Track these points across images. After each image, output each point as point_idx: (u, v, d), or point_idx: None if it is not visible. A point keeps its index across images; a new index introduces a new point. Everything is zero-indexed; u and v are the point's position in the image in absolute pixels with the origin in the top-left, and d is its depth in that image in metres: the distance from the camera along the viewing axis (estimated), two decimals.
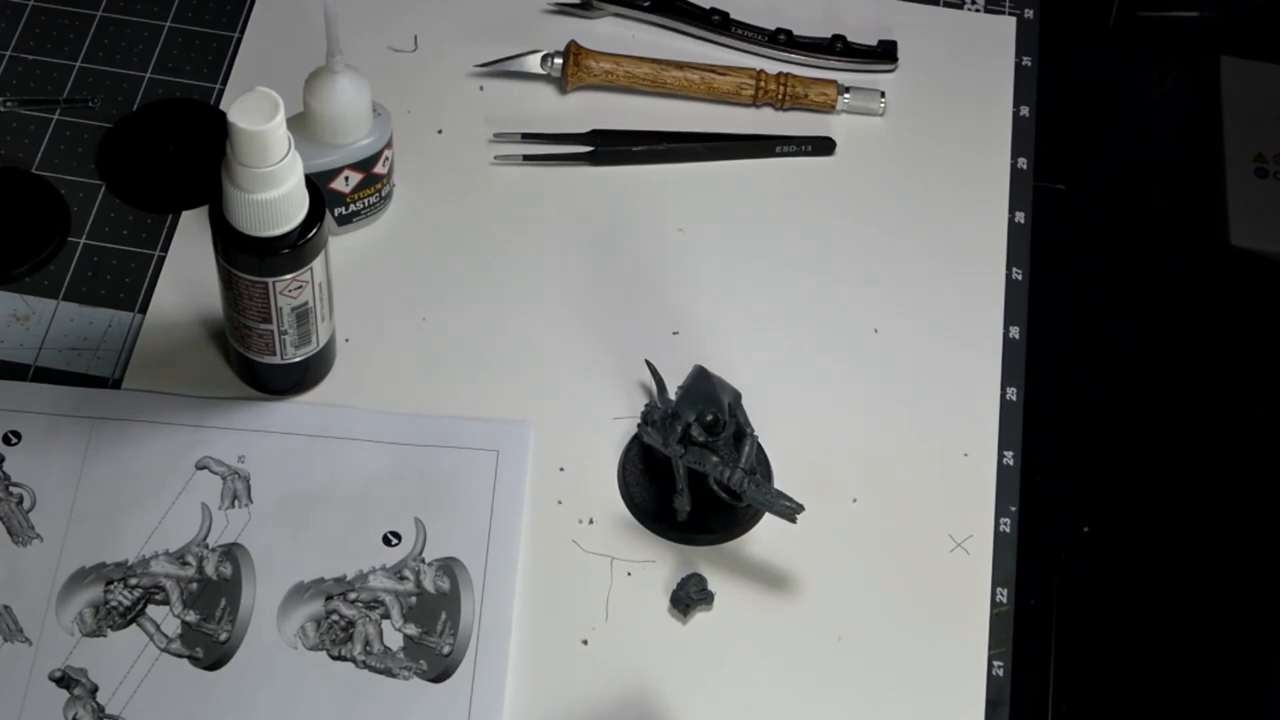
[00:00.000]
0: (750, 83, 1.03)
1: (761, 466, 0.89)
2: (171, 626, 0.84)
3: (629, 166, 1.01)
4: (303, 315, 0.86)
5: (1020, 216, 1.01)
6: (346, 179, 0.93)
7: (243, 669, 0.83)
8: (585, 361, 0.93)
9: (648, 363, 0.93)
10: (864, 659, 0.85)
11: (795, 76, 1.03)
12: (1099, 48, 1.63)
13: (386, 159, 0.94)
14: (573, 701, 0.83)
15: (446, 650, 0.84)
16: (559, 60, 1.02)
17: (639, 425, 0.87)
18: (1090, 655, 1.35)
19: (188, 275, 0.95)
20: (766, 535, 0.88)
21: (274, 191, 0.79)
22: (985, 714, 0.84)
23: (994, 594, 0.88)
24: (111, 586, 0.84)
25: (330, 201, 0.93)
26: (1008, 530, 0.90)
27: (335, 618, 0.84)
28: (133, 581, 0.85)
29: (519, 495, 0.88)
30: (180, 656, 0.83)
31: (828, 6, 1.09)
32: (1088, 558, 1.39)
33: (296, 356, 0.88)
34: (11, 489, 0.87)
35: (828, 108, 1.03)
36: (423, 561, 0.86)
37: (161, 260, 0.96)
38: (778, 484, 0.88)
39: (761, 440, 0.89)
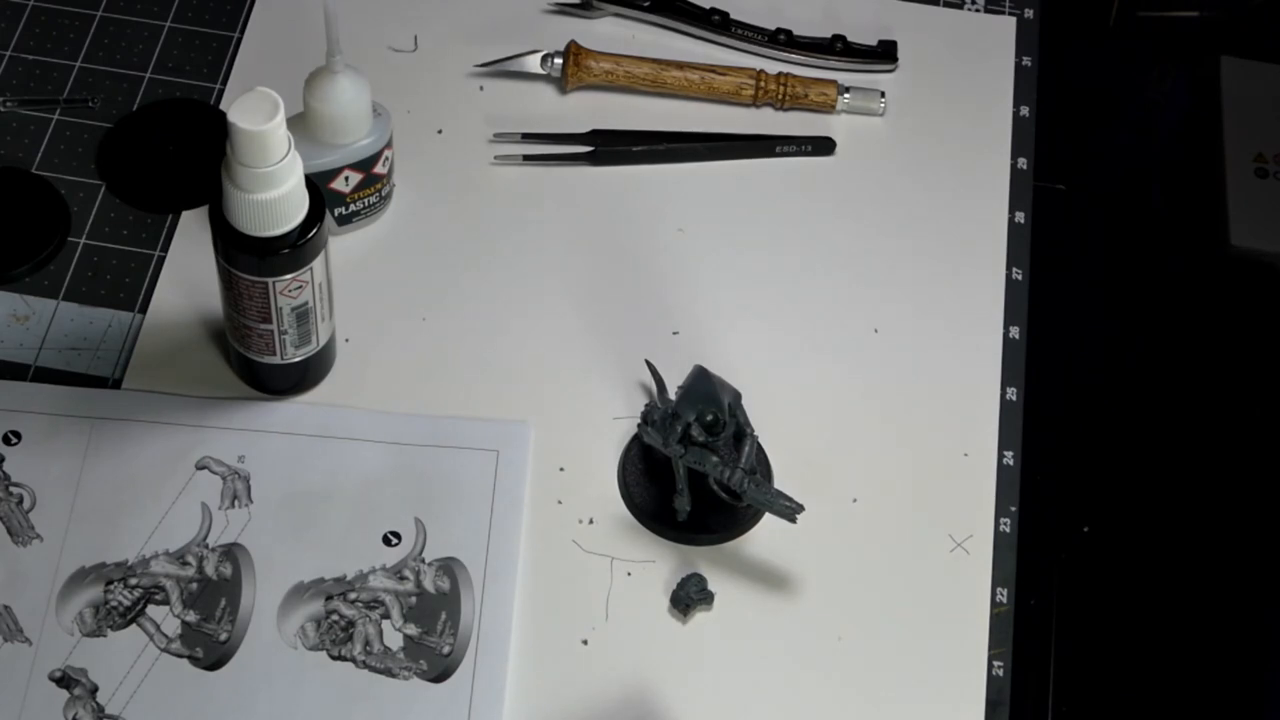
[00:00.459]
0: (750, 83, 1.03)
1: (761, 466, 0.89)
2: (171, 626, 0.84)
3: (629, 166, 1.01)
4: (303, 315, 0.86)
5: (1020, 216, 1.01)
6: (346, 179, 0.93)
7: (243, 669, 0.83)
8: (585, 361, 0.93)
9: (648, 363, 0.93)
10: (864, 659, 0.85)
11: (795, 76, 1.03)
12: (1099, 48, 1.63)
13: (386, 159, 0.94)
14: (573, 701, 0.83)
15: (446, 650, 0.84)
16: (559, 60, 1.02)
17: (639, 425, 0.87)
18: (1090, 655, 1.34)
19: (188, 275, 0.95)
20: (766, 535, 0.88)
21: (274, 191, 0.79)
22: (985, 714, 0.84)
23: (994, 594, 0.88)
24: (111, 586, 0.84)
25: (330, 201, 0.93)
26: (1008, 530, 0.90)
27: (335, 618, 0.84)
28: (133, 581, 0.85)
29: (519, 495, 0.88)
30: (180, 656, 0.83)
31: (828, 6, 1.09)
32: (1088, 558, 1.39)
33: (296, 356, 0.88)
34: (11, 489, 0.87)
35: (828, 108, 1.03)
36: (423, 561, 0.86)
37: (161, 260, 0.96)
38: (778, 484, 0.88)
39: (761, 440, 0.89)
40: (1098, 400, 1.46)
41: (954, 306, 0.97)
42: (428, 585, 0.85)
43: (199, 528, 0.86)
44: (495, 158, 1.00)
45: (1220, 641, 1.35)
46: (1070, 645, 1.34)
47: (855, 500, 0.90)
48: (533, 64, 1.03)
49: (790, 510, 0.83)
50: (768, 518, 0.88)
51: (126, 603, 0.84)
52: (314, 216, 0.82)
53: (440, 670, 0.83)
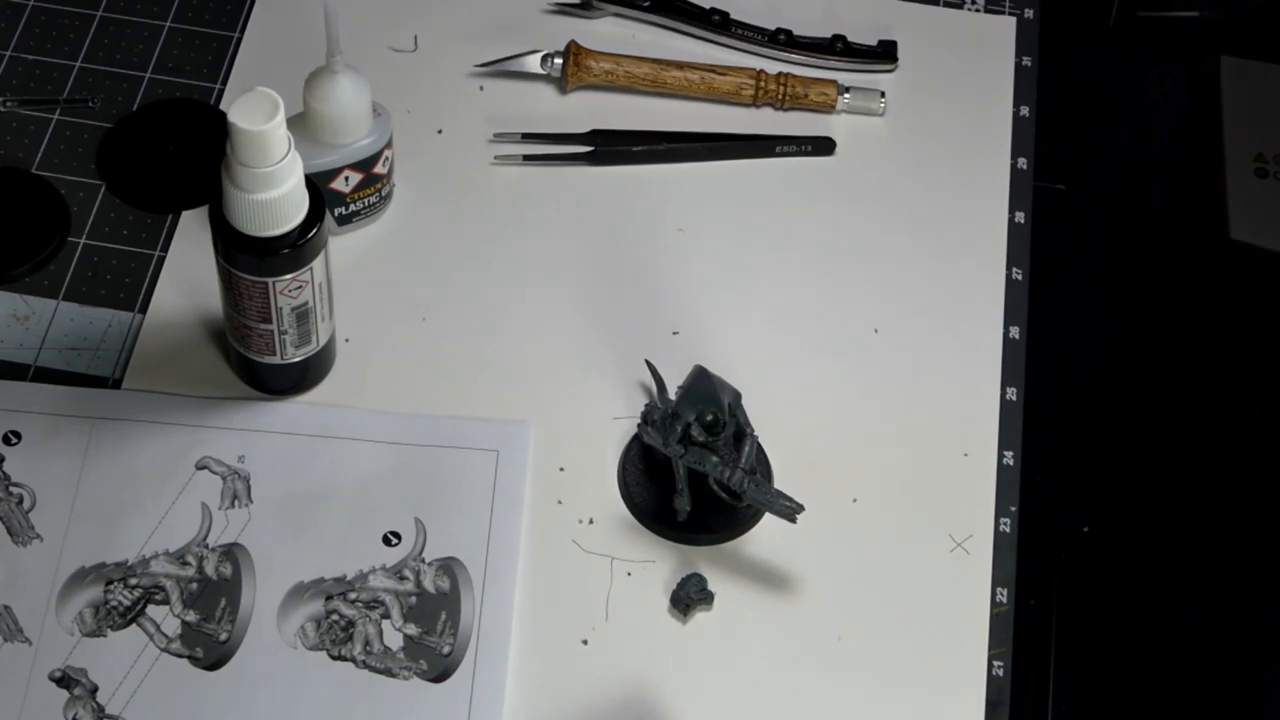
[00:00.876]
0: (750, 83, 1.03)
1: (761, 466, 0.89)
2: (171, 626, 0.84)
3: (629, 166, 1.01)
4: (303, 315, 0.86)
5: (1020, 216, 1.01)
6: (346, 179, 0.93)
7: (243, 669, 0.83)
8: (585, 361, 0.93)
9: (648, 363, 0.93)
10: (864, 659, 0.85)
11: (795, 76, 1.03)
12: (1099, 48, 1.63)
13: (386, 159, 0.94)
14: (573, 701, 0.83)
15: (446, 650, 0.84)
16: (559, 60, 1.02)
17: (639, 425, 0.87)
18: (1090, 655, 1.35)
19: (188, 275, 0.95)
20: (766, 535, 0.88)
21: (274, 191, 0.79)
22: (985, 714, 0.84)
23: (994, 594, 0.88)
24: (111, 586, 0.84)
25: (330, 201, 0.93)
26: (1008, 530, 0.90)
27: (335, 618, 0.84)
28: (133, 581, 0.85)
29: (519, 495, 0.88)
30: (180, 656, 0.83)
31: (828, 6, 1.09)
32: (1088, 558, 1.39)
33: (296, 356, 0.88)
34: (11, 489, 0.87)
35: (828, 108, 1.03)
36: (423, 561, 0.86)
37: (161, 260, 0.96)
38: (778, 484, 0.88)
39: (761, 440, 0.89)
40: (1098, 400, 1.46)
41: (954, 306, 0.97)
42: (428, 585, 0.85)
43: (199, 528, 0.86)
44: (495, 158, 1.00)
45: (1220, 641, 1.35)
46: (1070, 645, 1.34)
47: (855, 500, 0.90)
48: (533, 64, 1.03)
49: (790, 510, 0.83)
50: (768, 518, 0.88)
51: (126, 603, 0.84)
52: (314, 216, 0.82)
53: (440, 670, 0.83)
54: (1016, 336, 0.96)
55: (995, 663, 0.86)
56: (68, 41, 1.04)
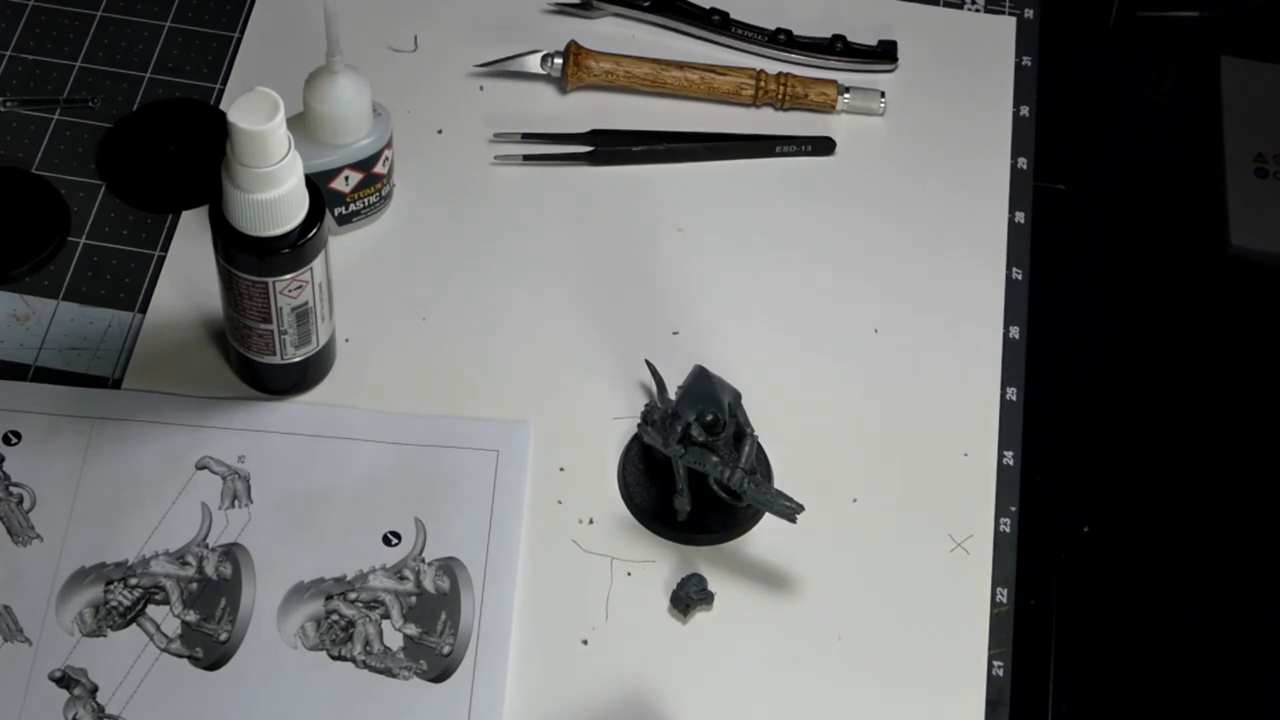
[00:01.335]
0: (750, 83, 1.03)
1: (761, 466, 0.89)
2: (171, 626, 0.84)
3: (629, 166, 1.01)
4: (303, 315, 0.86)
5: (1020, 216, 1.01)
6: (346, 179, 0.93)
7: (243, 669, 0.83)
8: (585, 361, 0.93)
9: (648, 363, 0.93)
10: (864, 659, 0.85)
11: (795, 76, 1.03)
12: (1099, 48, 1.63)
13: (386, 159, 0.94)
14: (573, 701, 0.83)
15: (446, 650, 0.84)
16: (559, 60, 1.02)
17: (639, 425, 0.87)
18: (1090, 655, 1.35)
19: (188, 275, 0.95)
20: (766, 535, 0.88)
21: (274, 191, 0.79)
22: (985, 714, 0.84)
23: (994, 594, 0.88)
24: (111, 586, 0.84)
25: (330, 201, 0.93)
26: (1008, 530, 0.90)
27: (335, 618, 0.84)
28: (133, 581, 0.85)
29: (519, 495, 0.88)
30: (180, 656, 0.83)
31: (828, 6, 1.09)
32: (1088, 558, 1.39)
33: (296, 356, 0.88)
34: (11, 489, 0.87)
35: (828, 108, 1.03)
36: (423, 561, 0.86)
37: (161, 260, 0.96)
38: (778, 484, 0.88)
39: (761, 440, 0.89)
40: (1098, 400, 1.46)
41: (954, 306, 0.97)
42: (428, 585, 0.85)
43: (199, 528, 0.86)
44: (495, 158, 1.00)
45: (1220, 641, 1.35)
46: (1070, 645, 1.35)
47: (855, 500, 0.90)
48: (533, 64, 1.03)
49: (790, 510, 0.83)
50: (768, 518, 0.88)
51: (126, 603, 0.84)
52: (314, 216, 0.82)
53: (440, 670, 0.83)
54: (1016, 336, 0.96)
55: (995, 663, 0.86)
56: (68, 41, 1.04)
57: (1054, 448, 1.36)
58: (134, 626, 0.83)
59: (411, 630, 0.84)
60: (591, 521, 0.88)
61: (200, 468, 0.88)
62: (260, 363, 0.88)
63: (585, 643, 0.85)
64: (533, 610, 0.85)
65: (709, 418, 0.85)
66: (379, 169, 0.94)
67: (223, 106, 1.01)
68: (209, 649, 0.83)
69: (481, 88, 1.04)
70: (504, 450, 0.89)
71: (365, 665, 0.83)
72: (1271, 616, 1.36)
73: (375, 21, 1.05)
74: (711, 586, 0.86)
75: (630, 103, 1.03)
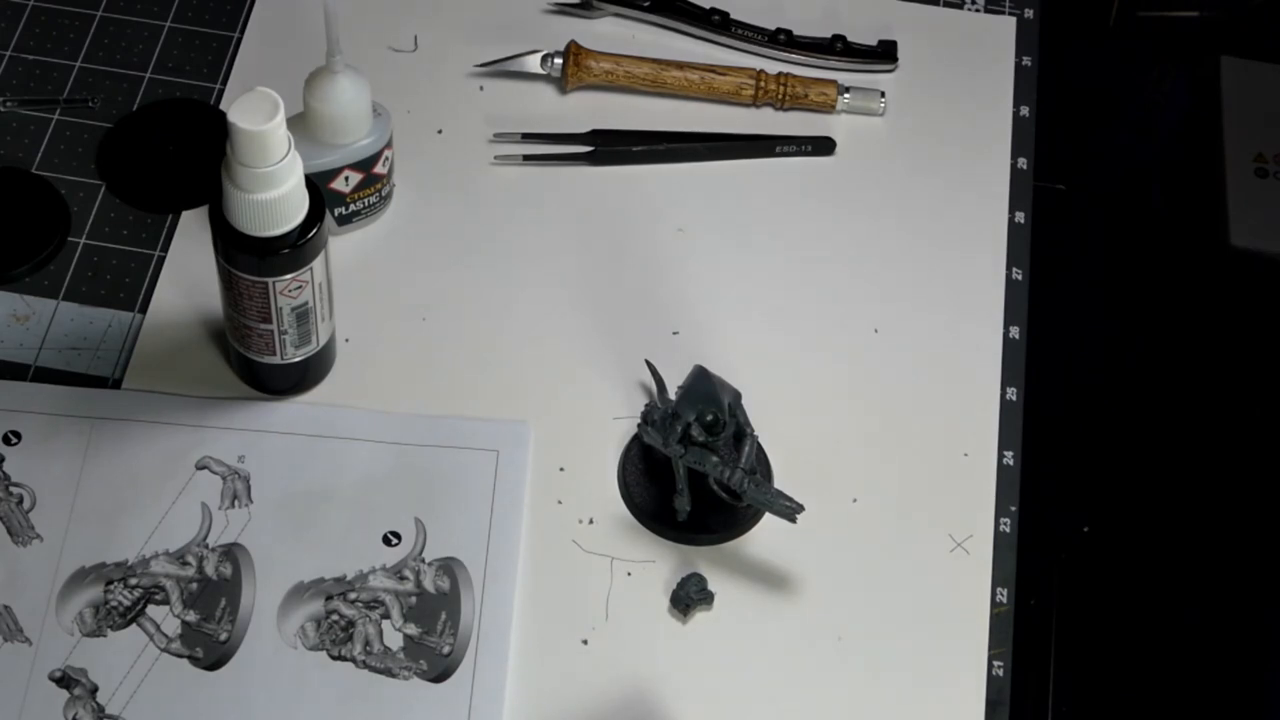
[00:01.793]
0: (750, 83, 1.03)
1: (761, 466, 0.89)
2: (171, 626, 0.84)
3: (629, 166, 1.01)
4: (303, 315, 0.86)
5: (1020, 216, 1.01)
6: (346, 179, 0.93)
7: (243, 669, 0.83)
8: (585, 361, 0.93)
9: (648, 363, 0.93)
10: (864, 659, 0.85)
11: (795, 76, 1.03)
12: (1099, 48, 1.63)
13: (386, 159, 0.94)
14: (573, 701, 0.83)
15: (446, 650, 0.84)
16: (559, 60, 1.02)
17: (639, 425, 0.87)
18: (1090, 655, 1.35)
19: (188, 275, 0.95)
20: (766, 535, 0.88)
21: (274, 191, 0.79)
22: (985, 714, 0.84)
23: (994, 594, 0.88)
24: (111, 586, 0.84)
25: (330, 201, 0.93)
26: (1008, 530, 0.90)
27: (335, 618, 0.84)
28: (133, 581, 0.85)
29: (519, 495, 0.88)
30: (180, 656, 0.83)
31: (828, 6, 1.09)
32: (1088, 558, 1.39)
33: (296, 356, 0.88)
34: (11, 489, 0.87)
35: (828, 108, 1.03)
36: (423, 561, 0.86)
37: (161, 260, 0.96)
38: (778, 484, 0.88)
39: (761, 440, 0.89)
40: (1098, 400, 1.46)
41: (954, 306, 0.97)
42: (428, 585, 0.85)
43: (199, 528, 0.86)
44: (495, 158, 1.00)
45: (1220, 641, 1.35)
46: (1070, 645, 1.35)
47: (855, 500, 0.90)
48: (533, 64, 1.03)
49: (790, 510, 0.83)
50: (768, 518, 0.88)
51: (126, 603, 0.84)
52: (314, 216, 0.82)
53: (440, 670, 0.83)
54: (1016, 336, 0.96)
55: (995, 663, 0.86)
56: (68, 41, 1.04)
57: (1054, 448, 1.36)
58: (134, 626, 0.83)
59: (411, 630, 0.84)
60: (591, 521, 0.88)
61: (200, 468, 0.88)
62: (260, 363, 0.88)
63: (585, 643, 0.85)
64: (533, 610, 0.85)
65: (709, 418, 0.85)
66: (379, 169, 0.94)
67: (223, 106, 1.01)
68: (209, 649, 0.83)
69: (481, 88, 1.04)
70: (504, 450, 0.89)
71: (365, 665, 0.83)
72: (1271, 616, 1.36)
73: (375, 21, 1.05)
74: (711, 586, 0.86)
75: (630, 103, 1.03)
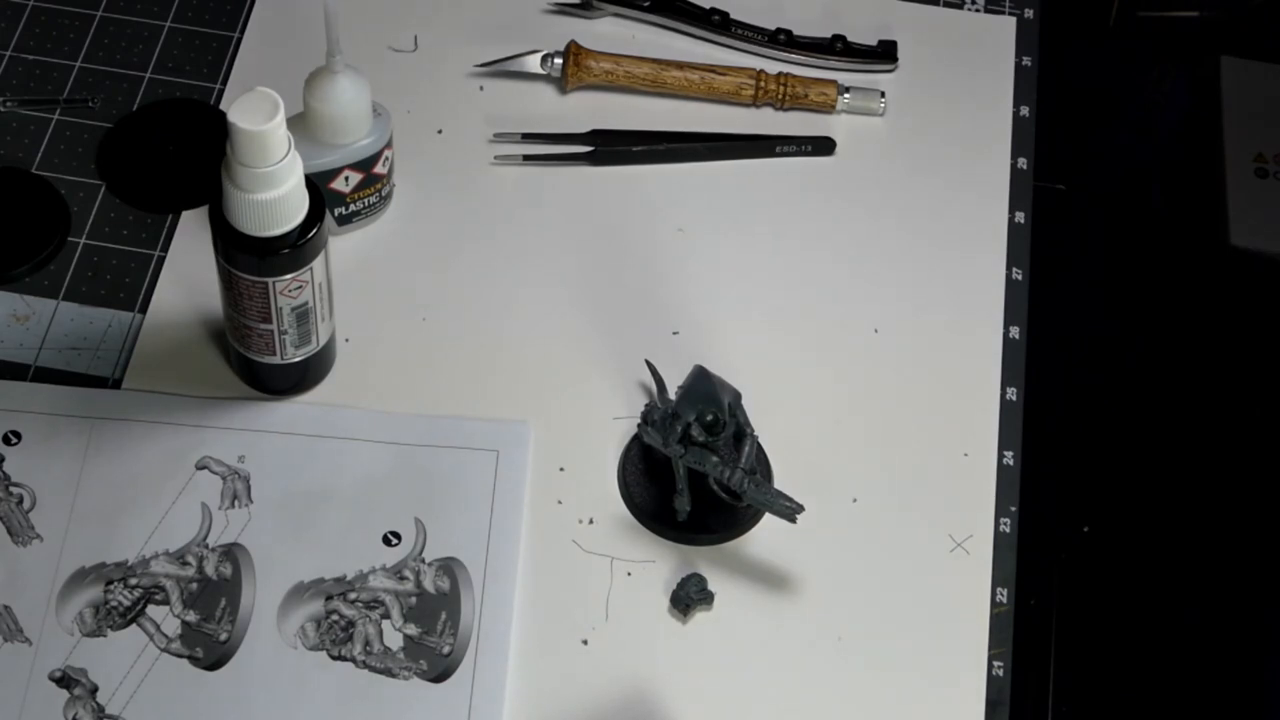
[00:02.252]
0: (750, 83, 1.03)
1: (761, 466, 0.89)
2: (171, 626, 0.84)
3: (629, 166, 1.01)
4: (303, 315, 0.86)
5: (1020, 216, 1.01)
6: (346, 179, 0.93)
7: (243, 669, 0.83)
8: (585, 361, 0.93)
9: (648, 363, 0.93)
10: (864, 659, 0.85)
11: (795, 76, 1.03)
12: (1099, 48, 1.63)
13: (386, 159, 0.94)
14: (573, 701, 0.83)
15: (446, 650, 0.84)
16: (559, 60, 1.02)
17: (639, 425, 0.87)
18: (1090, 655, 1.35)
19: (188, 275, 0.95)
20: (766, 535, 0.88)
21: (274, 191, 0.79)
22: (985, 714, 0.84)
23: (994, 594, 0.88)
24: (111, 586, 0.84)
25: (330, 201, 0.93)
26: (1008, 530, 0.90)
27: (335, 618, 0.84)
28: (133, 581, 0.85)
29: (519, 495, 0.88)
30: (180, 656, 0.83)
31: (828, 6, 1.09)
32: (1088, 558, 1.39)
33: (296, 356, 0.88)
34: (11, 489, 0.87)
35: (828, 108, 1.03)
36: (423, 561, 0.86)
37: (161, 260, 0.96)
38: (778, 484, 0.88)
39: (761, 440, 0.89)
40: (1098, 400, 1.46)
41: (954, 306, 0.97)
42: (428, 585, 0.85)
43: (199, 528, 0.86)
44: (495, 158, 1.00)
45: (1220, 641, 1.35)
46: (1070, 645, 1.35)
47: (855, 500, 0.90)
48: (533, 64, 1.03)
49: (790, 510, 0.83)
50: (768, 518, 0.88)
51: (126, 603, 0.84)
52: (314, 216, 0.82)
53: (440, 670, 0.83)
54: (1016, 336, 0.96)
55: (995, 663, 0.86)
56: (68, 41, 1.04)
57: (1054, 448, 1.36)
58: (134, 626, 0.83)
59: (411, 630, 0.84)
60: (591, 521, 0.88)
61: (200, 468, 0.88)
62: (260, 363, 0.88)
63: (585, 643, 0.85)
64: (533, 610, 0.85)
65: (709, 418, 0.85)
66: (379, 169, 0.94)
67: (223, 106, 1.01)
68: (209, 649, 0.83)
69: (481, 88, 1.04)
70: (504, 450, 0.89)
71: (365, 665, 0.83)
72: (1271, 616, 1.36)
73: (375, 21, 1.05)
74: (711, 586, 0.86)
75: (630, 103, 1.03)
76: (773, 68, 1.05)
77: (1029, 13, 1.10)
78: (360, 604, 0.85)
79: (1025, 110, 1.06)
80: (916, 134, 1.04)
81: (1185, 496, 1.40)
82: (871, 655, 0.85)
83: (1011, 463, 0.92)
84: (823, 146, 1.02)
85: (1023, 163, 1.04)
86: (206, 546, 0.86)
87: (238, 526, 0.87)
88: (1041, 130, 1.05)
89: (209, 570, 0.85)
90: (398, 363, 0.93)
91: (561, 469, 0.90)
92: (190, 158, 0.99)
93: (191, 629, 0.84)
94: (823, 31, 1.07)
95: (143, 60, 1.03)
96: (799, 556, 0.88)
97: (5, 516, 0.86)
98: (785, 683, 0.84)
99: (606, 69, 1.02)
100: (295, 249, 0.82)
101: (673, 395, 0.89)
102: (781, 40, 1.06)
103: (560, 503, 0.89)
